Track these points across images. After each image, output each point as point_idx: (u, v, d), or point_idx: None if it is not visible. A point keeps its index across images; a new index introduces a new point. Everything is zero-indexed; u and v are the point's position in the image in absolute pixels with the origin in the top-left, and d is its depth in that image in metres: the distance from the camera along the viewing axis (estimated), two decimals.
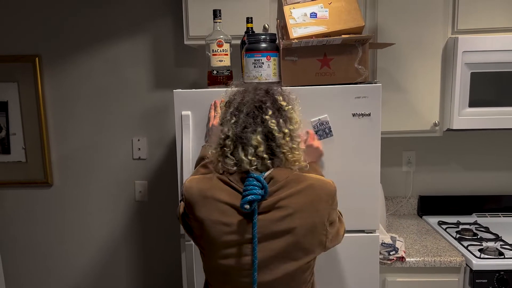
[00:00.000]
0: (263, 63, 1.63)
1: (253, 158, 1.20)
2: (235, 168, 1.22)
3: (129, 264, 2.50)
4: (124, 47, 2.33)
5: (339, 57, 1.62)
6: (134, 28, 2.32)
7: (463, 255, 1.87)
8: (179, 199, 1.41)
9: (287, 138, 1.22)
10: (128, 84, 2.36)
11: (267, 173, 1.21)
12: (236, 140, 1.20)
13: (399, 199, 2.43)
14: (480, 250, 1.88)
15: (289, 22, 1.62)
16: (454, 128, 1.97)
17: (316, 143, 1.51)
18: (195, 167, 1.48)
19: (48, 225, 2.48)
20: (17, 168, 2.41)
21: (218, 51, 1.75)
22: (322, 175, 1.37)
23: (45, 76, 2.36)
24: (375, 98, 1.59)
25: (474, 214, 2.35)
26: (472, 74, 1.94)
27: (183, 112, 1.64)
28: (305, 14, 1.63)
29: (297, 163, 1.24)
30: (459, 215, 2.34)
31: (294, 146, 1.24)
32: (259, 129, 1.20)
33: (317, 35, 1.60)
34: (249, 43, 1.66)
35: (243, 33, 1.82)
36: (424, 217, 2.37)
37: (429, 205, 2.39)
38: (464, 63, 1.92)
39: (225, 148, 1.22)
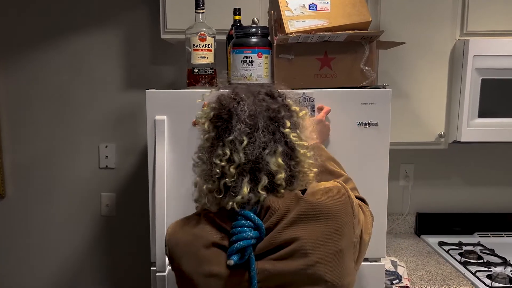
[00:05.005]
0: (253, 60, 1.39)
1: (263, 193, 0.90)
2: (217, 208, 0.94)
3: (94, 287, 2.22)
4: (91, 41, 2.07)
5: (342, 56, 1.40)
6: (103, 19, 2.06)
7: (472, 283, 1.67)
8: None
9: (309, 154, 0.97)
10: (96, 83, 2.10)
11: (260, 205, 0.92)
12: (245, 168, 0.91)
13: (396, 216, 2.22)
14: (489, 277, 1.70)
15: (285, 14, 1.39)
16: (462, 140, 1.79)
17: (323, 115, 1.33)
18: None
19: None
20: None
21: (200, 46, 1.50)
22: (333, 167, 1.15)
23: None
24: (384, 105, 1.37)
25: (475, 233, 2.16)
26: (483, 80, 1.75)
27: (157, 117, 1.38)
28: (303, 6, 1.41)
29: (308, 183, 0.98)
30: (459, 235, 2.15)
31: (311, 161, 0.98)
32: (280, 149, 0.91)
33: (317, 30, 1.37)
34: (237, 37, 1.41)
35: (229, 27, 1.58)
36: (422, 236, 2.17)
37: (428, 223, 2.19)
38: (475, 68, 1.74)
39: (226, 179, 0.91)
